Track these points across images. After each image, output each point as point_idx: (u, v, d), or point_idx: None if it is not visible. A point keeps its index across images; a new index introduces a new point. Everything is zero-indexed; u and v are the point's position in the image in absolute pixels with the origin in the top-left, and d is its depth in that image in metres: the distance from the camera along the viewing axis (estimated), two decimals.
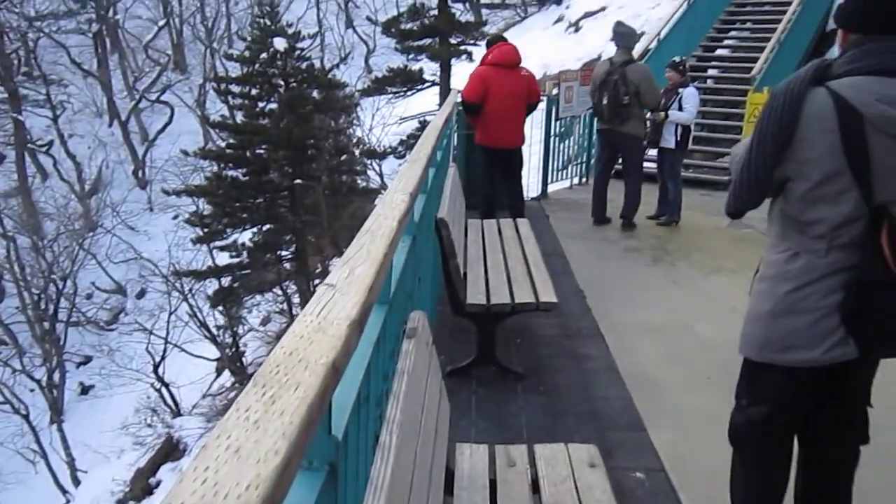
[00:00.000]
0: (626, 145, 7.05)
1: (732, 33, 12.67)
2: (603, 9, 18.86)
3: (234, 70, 16.87)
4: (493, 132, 6.66)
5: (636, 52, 8.90)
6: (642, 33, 7.73)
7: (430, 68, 17.25)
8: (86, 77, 29.72)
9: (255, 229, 15.89)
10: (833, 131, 1.78)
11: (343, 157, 16.49)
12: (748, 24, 12.64)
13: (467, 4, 25.62)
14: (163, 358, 16.24)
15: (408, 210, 2.04)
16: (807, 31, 11.15)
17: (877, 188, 1.81)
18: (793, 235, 1.98)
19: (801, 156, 1.85)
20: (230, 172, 15.40)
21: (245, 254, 15.40)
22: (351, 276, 1.31)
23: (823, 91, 1.82)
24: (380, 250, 1.49)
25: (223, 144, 16.73)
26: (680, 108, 7.02)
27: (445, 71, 16.52)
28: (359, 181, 17.13)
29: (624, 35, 7.18)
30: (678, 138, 7.12)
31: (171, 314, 16.90)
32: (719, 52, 12.34)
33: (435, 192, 3.93)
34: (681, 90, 7.08)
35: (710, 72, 11.89)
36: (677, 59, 7.31)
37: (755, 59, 10.17)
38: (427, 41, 16.30)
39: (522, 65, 6.70)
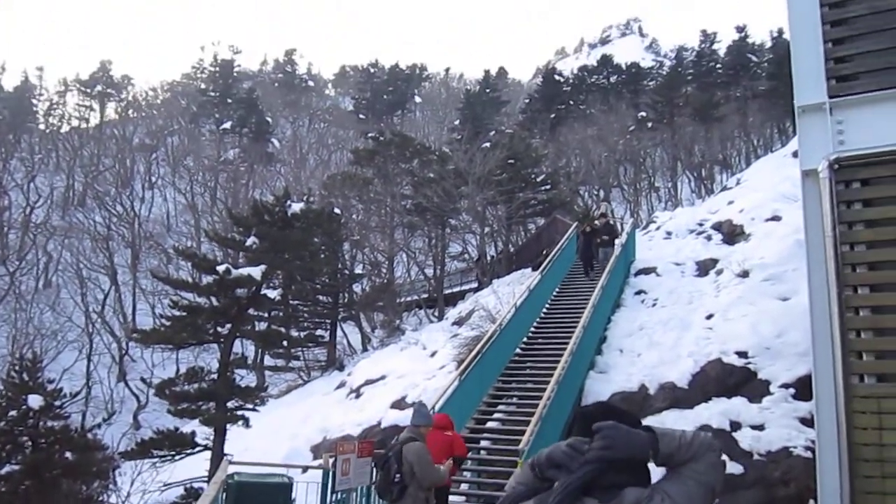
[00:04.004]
0: None
1: (501, 407, 13.56)
2: (383, 377, 19.66)
3: None
4: None
5: None
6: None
7: (203, 431, 16.46)
8: None
9: None
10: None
11: None
12: (514, 400, 13.65)
13: (250, 368, 25.72)
14: None
15: None
16: (564, 409, 12.19)
17: None
18: None
19: None
20: None
21: None
22: None
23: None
24: None
25: None
26: None
27: (220, 435, 15.81)
28: None
29: (417, 414, 7.37)
30: None
31: None
32: (490, 424, 13.02)
33: None
34: None
35: (483, 443, 12.38)
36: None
37: (522, 432, 10.75)
38: (203, 405, 15.78)
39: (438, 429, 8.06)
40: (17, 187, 50.20)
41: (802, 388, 11.56)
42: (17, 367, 15.39)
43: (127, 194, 51.16)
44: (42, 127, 71.09)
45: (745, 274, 15.91)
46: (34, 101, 76.34)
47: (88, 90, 76.79)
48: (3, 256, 43.88)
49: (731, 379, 12.78)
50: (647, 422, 2.22)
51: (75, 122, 73.54)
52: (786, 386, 12.11)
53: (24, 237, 46.15)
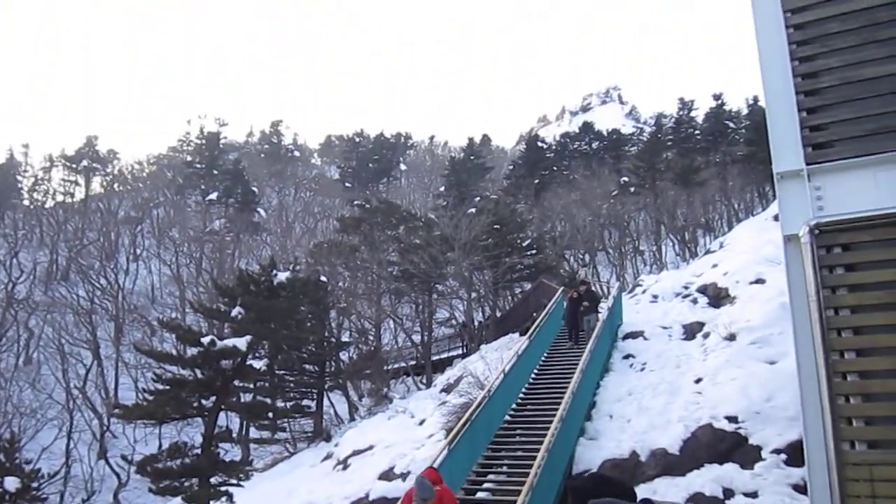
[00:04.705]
0: None
1: (491, 477, 13.28)
2: (371, 447, 19.27)
3: None
4: None
5: None
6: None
7: None
8: None
9: None
10: None
11: None
12: (504, 469, 13.38)
13: (235, 441, 25.16)
14: None
15: None
16: (555, 478, 11.96)
17: None
18: None
19: None
20: None
21: None
22: None
23: None
24: None
25: None
26: None
27: None
28: None
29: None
30: None
31: None
32: (480, 495, 12.72)
33: None
34: None
35: None
36: None
37: (514, 503, 10.50)
38: (186, 481, 15.36)
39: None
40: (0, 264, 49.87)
41: (794, 454, 11.41)
42: None
43: (111, 267, 50.82)
44: (26, 203, 71.13)
45: (731, 337, 15.92)
46: (19, 178, 76.58)
47: (74, 165, 77.07)
48: None
49: (722, 444, 12.62)
50: (639, 490, 2.21)
51: (60, 197, 73.66)
52: (777, 451, 11.96)
53: (5, 313, 45.48)
